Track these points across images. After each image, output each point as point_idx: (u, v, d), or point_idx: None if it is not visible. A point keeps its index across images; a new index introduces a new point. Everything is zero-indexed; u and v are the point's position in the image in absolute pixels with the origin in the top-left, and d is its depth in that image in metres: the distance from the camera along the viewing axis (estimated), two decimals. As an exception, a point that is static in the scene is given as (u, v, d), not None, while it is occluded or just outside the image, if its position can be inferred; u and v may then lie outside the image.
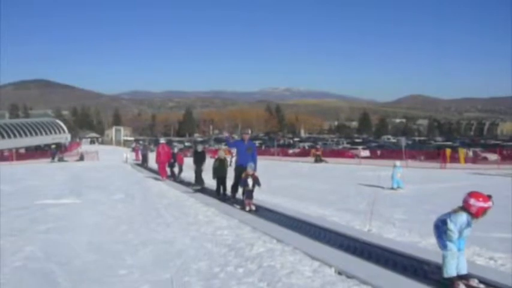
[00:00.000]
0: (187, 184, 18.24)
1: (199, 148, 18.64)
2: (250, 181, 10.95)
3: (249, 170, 11.03)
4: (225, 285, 5.30)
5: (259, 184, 11.13)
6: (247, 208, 10.83)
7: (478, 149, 39.41)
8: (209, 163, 15.46)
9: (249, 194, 11.00)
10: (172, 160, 22.31)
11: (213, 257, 6.58)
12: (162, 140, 26.64)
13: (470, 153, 36.03)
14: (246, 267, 6.03)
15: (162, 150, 22.07)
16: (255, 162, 11.67)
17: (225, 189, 13.40)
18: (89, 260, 6.59)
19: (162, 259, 6.55)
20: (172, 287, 5.24)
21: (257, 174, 11.27)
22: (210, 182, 14.99)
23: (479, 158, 34.66)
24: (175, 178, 21.60)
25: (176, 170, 22.33)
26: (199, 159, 17.23)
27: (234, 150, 15.42)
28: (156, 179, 21.66)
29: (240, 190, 11.64)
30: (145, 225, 9.35)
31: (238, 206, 11.42)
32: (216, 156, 14.29)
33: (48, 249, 7.18)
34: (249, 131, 13.17)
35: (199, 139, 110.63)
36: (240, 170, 11.85)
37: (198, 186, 16.36)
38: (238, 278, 5.57)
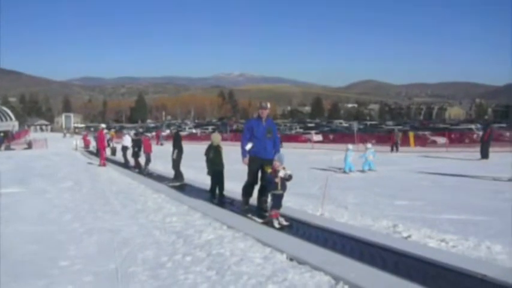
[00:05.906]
0: (158, 179, 15.09)
1: (176, 130, 17.35)
2: (280, 181, 7.23)
3: (277, 164, 7.22)
4: (172, 275, 5.09)
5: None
6: (276, 223, 7.13)
7: (427, 133, 40.32)
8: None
9: (277, 201, 7.22)
10: (136, 148, 18.95)
11: (161, 246, 6.37)
12: (102, 125, 26.03)
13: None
14: (195, 255, 5.84)
15: (98, 136, 21.82)
16: (277, 150, 8.10)
17: (222, 188, 10.02)
18: (30, 251, 6.27)
19: (107, 248, 6.30)
20: (117, 278, 5.01)
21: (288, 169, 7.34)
22: (189, 176, 14.43)
23: (429, 141, 35.42)
24: (141, 170, 17.91)
25: (142, 160, 18.33)
26: (177, 145, 13.76)
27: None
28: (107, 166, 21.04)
29: (255, 193, 8.46)
30: (92, 214, 9.05)
31: (257, 219, 7.80)
32: (209, 143, 10.60)
33: (-15, 241, 6.80)
34: (268, 105, 8.29)
35: (152, 125, 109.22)
36: (256, 162, 8.13)
37: (177, 182, 13.31)
38: (186, 267, 5.38)
